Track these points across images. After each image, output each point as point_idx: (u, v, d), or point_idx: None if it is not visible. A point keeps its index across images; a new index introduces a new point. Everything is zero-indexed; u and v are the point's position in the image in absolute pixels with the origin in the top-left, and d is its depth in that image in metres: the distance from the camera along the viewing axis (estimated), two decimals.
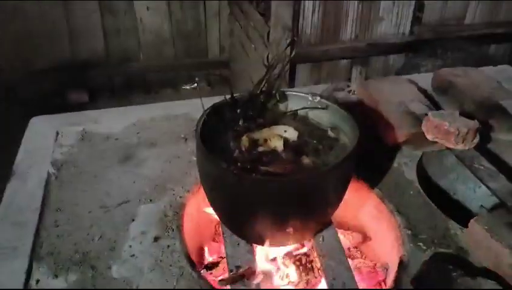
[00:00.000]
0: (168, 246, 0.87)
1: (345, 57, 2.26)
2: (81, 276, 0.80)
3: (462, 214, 0.99)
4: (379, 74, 2.36)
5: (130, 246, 0.86)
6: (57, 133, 1.16)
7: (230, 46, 2.94)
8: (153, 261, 0.83)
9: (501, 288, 0.75)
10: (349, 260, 1.03)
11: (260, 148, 0.88)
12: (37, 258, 0.83)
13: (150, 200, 0.97)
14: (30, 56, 2.77)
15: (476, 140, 1.02)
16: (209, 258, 0.96)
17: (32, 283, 0.78)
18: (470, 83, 1.34)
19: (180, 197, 0.98)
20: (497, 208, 0.91)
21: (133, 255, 0.84)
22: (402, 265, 0.86)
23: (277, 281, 0.86)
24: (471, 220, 0.88)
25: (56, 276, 0.80)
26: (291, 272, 0.87)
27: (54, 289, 0.78)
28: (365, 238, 1.09)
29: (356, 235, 1.08)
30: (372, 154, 1.13)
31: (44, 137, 1.15)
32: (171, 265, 0.83)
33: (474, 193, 1.02)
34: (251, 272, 0.78)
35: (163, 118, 1.24)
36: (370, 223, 1.07)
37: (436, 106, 1.29)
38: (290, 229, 0.79)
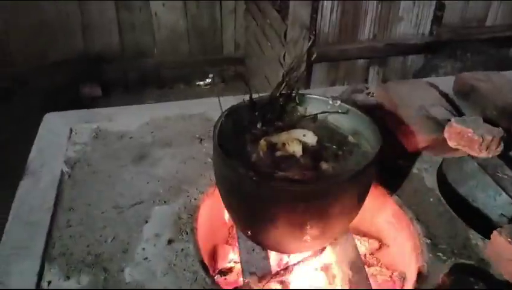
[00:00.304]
0: (182, 249, 0.85)
1: (362, 56, 2.22)
2: (93, 278, 0.79)
3: (481, 223, 0.95)
4: (397, 74, 2.32)
5: (143, 249, 0.85)
6: (71, 131, 1.16)
7: (246, 43, 2.92)
8: (166, 265, 0.82)
9: None
10: (366, 268, 1.01)
11: (278, 153, 0.86)
12: (49, 259, 0.82)
13: (164, 202, 0.95)
14: (44, 49, 2.78)
15: (500, 148, 0.99)
16: (222, 263, 0.95)
17: (44, 284, 0.77)
18: (492, 87, 1.30)
19: (195, 199, 0.96)
20: None
21: (146, 258, 0.83)
22: (421, 276, 0.84)
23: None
24: (494, 231, 0.85)
25: (68, 277, 0.79)
26: (307, 280, 0.85)
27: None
28: (382, 245, 1.06)
29: (373, 241, 1.06)
30: (391, 159, 1.10)
31: (58, 134, 1.14)
32: (184, 269, 0.81)
33: (495, 201, 0.98)
34: (262, 280, 0.76)
35: (178, 117, 1.23)
36: (387, 230, 1.05)
37: (458, 111, 1.25)
38: (307, 237, 0.76)
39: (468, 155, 1.04)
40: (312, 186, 0.72)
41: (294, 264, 0.84)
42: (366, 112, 0.87)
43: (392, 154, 1.12)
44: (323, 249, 0.89)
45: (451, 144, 1.02)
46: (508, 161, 1.09)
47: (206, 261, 0.88)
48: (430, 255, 0.88)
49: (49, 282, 0.78)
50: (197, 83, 2.91)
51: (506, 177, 0.94)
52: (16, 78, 2.81)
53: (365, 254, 1.07)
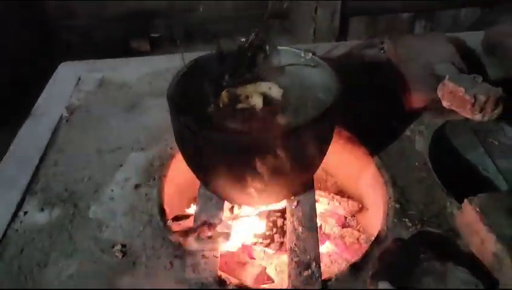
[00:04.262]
0: (146, 194, 0.90)
1: (407, 10, 2.04)
2: (63, 212, 0.87)
3: (469, 192, 0.88)
4: (447, 30, 2.10)
5: (112, 190, 0.91)
6: (79, 79, 1.24)
7: None
8: (127, 207, 0.87)
9: (471, 279, 0.66)
10: (339, 228, 1.00)
11: (240, 105, 0.86)
12: (30, 193, 0.91)
13: (142, 149, 1.00)
14: (103, 5, 2.92)
15: (498, 111, 0.88)
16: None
17: (21, 213, 0.87)
18: None
19: (171, 148, 1.00)
20: (500, 190, 0.80)
21: (112, 198, 0.89)
22: (377, 240, 0.80)
23: (240, 239, 0.85)
24: (465, 200, 0.78)
25: (42, 210, 0.88)
26: (260, 232, 0.86)
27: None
28: (362, 207, 1.03)
29: (352, 203, 1.03)
30: (387, 120, 1.04)
31: (67, 82, 1.22)
32: (142, 212, 0.86)
33: (484, 169, 0.89)
34: (207, 227, 0.78)
35: (178, 69, 1.24)
36: (367, 192, 1.01)
37: (479, 70, 1.12)
38: (252, 190, 0.77)
39: (465, 118, 0.95)
40: (245, 137, 0.71)
41: (244, 216, 0.85)
42: (333, 66, 0.82)
43: (388, 114, 1.05)
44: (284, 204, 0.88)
45: (445, 104, 0.94)
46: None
47: (174, 209, 0.92)
48: (395, 220, 0.83)
49: (26, 212, 0.87)
50: (242, 39, 2.88)
51: (497, 143, 0.85)
52: (76, 31, 3.00)
53: (346, 216, 1.04)
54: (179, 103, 0.78)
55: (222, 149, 0.72)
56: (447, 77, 0.92)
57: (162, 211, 0.86)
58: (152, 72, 1.25)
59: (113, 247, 0.80)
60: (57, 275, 0.76)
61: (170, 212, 0.88)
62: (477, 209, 0.75)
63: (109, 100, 1.17)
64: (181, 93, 0.81)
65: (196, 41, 3.04)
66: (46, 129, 1.07)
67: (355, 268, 0.75)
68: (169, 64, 1.27)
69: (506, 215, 0.73)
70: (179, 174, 0.98)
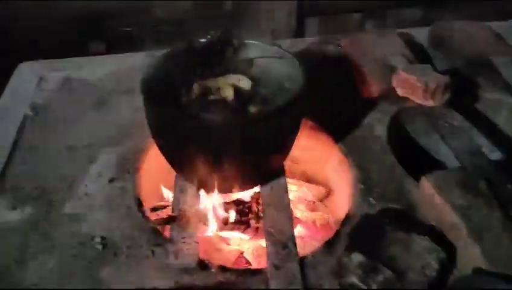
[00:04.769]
0: (121, 187, 0.91)
1: (357, 9, 2.15)
2: (36, 210, 0.86)
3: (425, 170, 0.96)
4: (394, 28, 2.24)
5: (86, 186, 0.91)
6: (40, 79, 1.21)
7: None
8: (103, 200, 0.88)
9: (433, 246, 0.73)
10: (309, 213, 1.05)
11: (211, 97, 0.89)
12: (0, 191, 0.89)
13: (113, 144, 1.01)
14: (49, 6, 2.83)
15: (446, 96, 0.97)
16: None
17: None
18: (465, 38, 1.26)
19: (144, 142, 1.01)
20: (455, 167, 0.88)
21: (87, 193, 0.90)
22: (347, 219, 0.86)
23: (216, 227, 0.88)
24: (422, 177, 0.86)
25: (14, 208, 0.86)
26: (236, 218, 0.90)
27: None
28: (329, 192, 1.09)
29: (319, 188, 1.09)
30: (347, 109, 1.11)
31: (28, 82, 1.20)
32: (119, 205, 0.87)
33: (437, 150, 0.98)
34: (184, 215, 0.81)
35: (143, 67, 1.25)
36: (333, 177, 1.07)
37: (427, 62, 1.23)
38: (228, 177, 0.80)
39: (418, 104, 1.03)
40: (221, 125, 0.75)
41: (220, 203, 0.89)
42: (299, 58, 0.87)
43: (350, 104, 1.12)
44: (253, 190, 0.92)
45: (399, 92, 1.02)
46: (470, 111, 1.08)
47: (150, 201, 0.94)
48: (361, 199, 0.90)
49: None
50: (199, 40, 2.89)
51: (447, 125, 0.94)
52: (26, 34, 2.89)
53: (314, 201, 1.10)
54: (154, 95, 0.80)
55: (200, 138, 0.75)
56: (400, 67, 1.01)
57: (139, 203, 0.88)
58: (117, 70, 1.25)
59: (92, 239, 0.81)
60: (37, 270, 0.75)
61: (147, 204, 0.90)
62: (434, 184, 0.83)
63: (75, 98, 1.16)
64: (154, 86, 0.83)
65: (151, 42, 3.02)
66: (10, 129, 1.04)
67: (328, 245, 0.80)
68: (133, 63, 1.28)
69: (459, 188, 0.82)
70: (153, 167, 0.99)
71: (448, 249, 0.75)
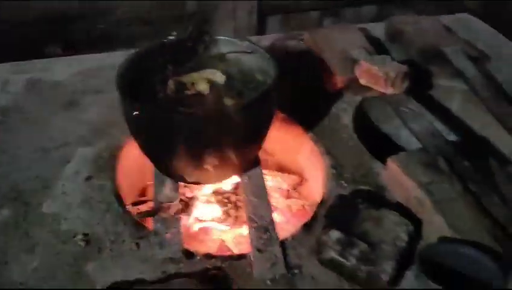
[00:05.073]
0: (100, 185, 0.91)
1: (314, 8, 2.23)
2: (14, 211, 0.85)
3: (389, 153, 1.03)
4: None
5: (63, 185, 0.91)
6: (4, 82, 1.19)
7: None
8: (82, 198, 0.88)
9: (402, 220, 0.80)
10: (284, 200, 1.10)
11: (187, 92, 0.92)
12: None
13: (88, 143, 1.01)
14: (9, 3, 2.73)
15: (406, 84, 1.05)
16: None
17: None
18: (418, 30, 1.34)
19: (119, 140, 1.02)
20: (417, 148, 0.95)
21: (65, 192, 0.89)
22: (322, 202, 0.91)
23: (196, 218, 0.91)
24: (388, 158, 0.92)
25: None
26: (216, 209, 0.93)
27: None
28: (302, 180, 1.14)
29: (293, 177, 1.13)
30: (314, 101, 1.16)
31: None
32: (99, 201, 0.88)
33: (399, 133, 1.06)
34: (166, 208, 0.83)
35: (111, 66, 1.24)
36: (306, 165, 1.12)
37: (385, 54, 1.30)
38: (208, 167, 0.83)
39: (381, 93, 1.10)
40: (200, 117, 0.78)
41: (200, 194, 0.92)
42: (270, 52, 0.91)
43: (316, 96, 1.18)
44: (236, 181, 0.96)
45: (362, 81, 1.09)
46: (425, 98, 1.17)
47: (131, 197, 0.95)
48: (334, 183, 0.95)
49: None
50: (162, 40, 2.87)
51: (407, 110, 1.01)
52: None
53: (288, 189, 1.15)
54: (131, 91, 0.82)
55: (178, 130, 0.77)
56: (362, 58, 1.07)
57: (119, 199, 0.89)
58: (84, 71, 1.25)
59: (74, 237, 0.81)
60: (21, 270, 0.75)
61: (127, 199, 0.91)
62: (399, 164, 0.89)
63: (43, 100, 1.14)
64: (129, 83, 0.85)
65: (114, 44, 2.97)
66: None
67: (307, 227, 0.85)
68: (100, 63, 1.28)
69: (422, 167, 0.89)
70: (130, 164, 1.00)
71: (416, 222, 0.82)
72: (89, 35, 2.95)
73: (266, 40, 1.43)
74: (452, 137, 1.09)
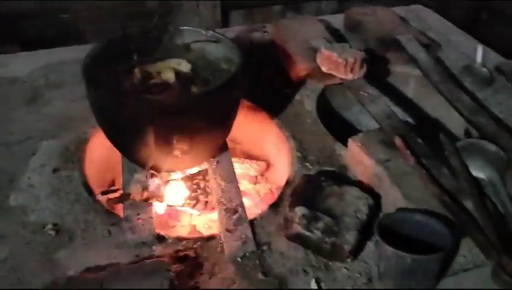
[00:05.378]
0: (67, 176, 0.91)
1: (276, 2, 2.27)
2: None
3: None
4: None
5: (29, 178, 0.90)
6: None
7: None
8: (50, 190, 0.88)
9: (362, 194, 0.84)
10: (253, 185, 1.13)
11: (153, 80, 0.93)
12: None
13: (53, 137, 1.00)
14: None
15: (364, 70, 1.10)
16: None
17: None
18: (375, 21, 1.41)
19: (85, 132, 1.02)
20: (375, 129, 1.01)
21: (32, 185, 0.89)
22: (288, 182, 0.95)
23: (166, 204, 0.92)
24: (349, 139, 0.97)
25: None
26: (186, 194, 0.95)
27: None
28: (269, 165, 1.17)
29: (261, 163, 1.16)
30: (279, 89, 1.20)
31: None
32: (68, 192, 0.88)
33: (360, 116, 1.11)
34: (137, 193, 0.84)
35: (73, 61, 1.24)
36: (272, 151, 1.15)
37: (344, 43, 1.36)
38: (177, 153, 0.85)
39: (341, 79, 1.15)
40: (161, 102, 0.80)
41: (170, 180, 0.93)
42: (235, 41, 0.94)
43: (281, 85, 1.22)
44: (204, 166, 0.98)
45: (323, 68, 1.13)
46: (382, 84, 1.23)
47: (101, 188, 0.95)
48: (299, 165, 0.99)
49: None
50: None
51: (365, 94, 1.06)
52: None
53: (256, 175, 1.18)
54: (97, 80, 0.82)
55: (145, 118, 0.78)
56: (322, 46, 1.12)
57: (89, 189, 0.89)
58: (45, 65, 1.23)
59: (44, 227, 0.81)
60: None
61: (95, 189, 0.91)
62: (359, 143, 0.94)
63: (3, 95, 1.12)
64: (95, 73, 0.85)
65: (70, 41, 2.91)
66: None
67: (274, 206, 0.89)
68: (61, 57, 1.27)
69: (380, 145, 0.94)
70: (97, 155, 1.01)
71: (375, 196, 0.87)
72: (46, 33, 2.88)
73: (231, 32, 1.45)
74: (407, 118, 1.15)
